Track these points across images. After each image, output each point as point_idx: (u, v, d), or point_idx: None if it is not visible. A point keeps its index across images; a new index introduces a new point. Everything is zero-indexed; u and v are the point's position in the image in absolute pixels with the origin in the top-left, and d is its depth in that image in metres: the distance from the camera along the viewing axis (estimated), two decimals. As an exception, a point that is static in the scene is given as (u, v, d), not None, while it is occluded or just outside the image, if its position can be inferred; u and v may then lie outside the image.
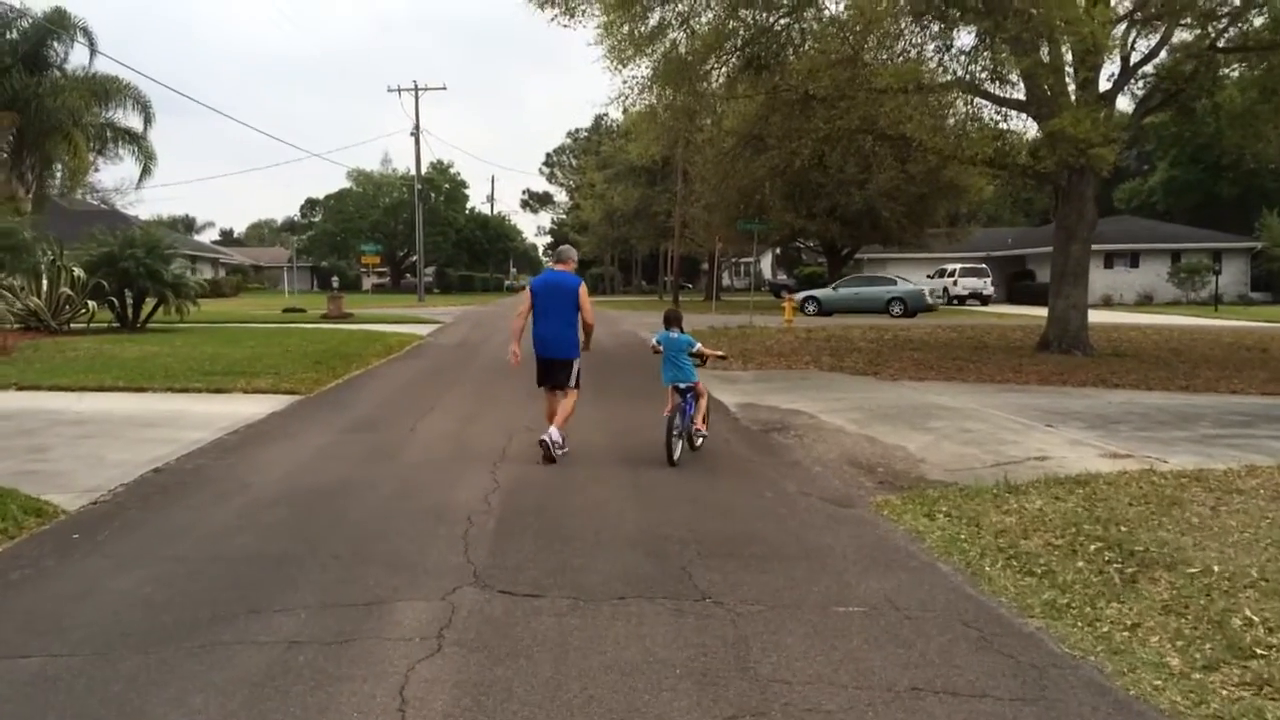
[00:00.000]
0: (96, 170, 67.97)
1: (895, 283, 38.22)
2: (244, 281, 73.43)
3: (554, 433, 8.51)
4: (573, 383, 8.89)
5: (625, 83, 18.13)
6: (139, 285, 22.23)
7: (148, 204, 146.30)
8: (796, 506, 7.05)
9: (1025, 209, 75.50)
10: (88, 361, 15.56)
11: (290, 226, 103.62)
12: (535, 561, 5.50)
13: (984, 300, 48.37)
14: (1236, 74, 18.70)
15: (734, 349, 20.03)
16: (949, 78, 17.78)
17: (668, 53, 17.86)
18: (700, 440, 8.98)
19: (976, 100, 19.38)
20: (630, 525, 6.37)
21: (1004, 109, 19.27)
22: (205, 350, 17.79)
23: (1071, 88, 17.64)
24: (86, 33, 30.42)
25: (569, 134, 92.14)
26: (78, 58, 31.96)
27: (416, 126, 53.29)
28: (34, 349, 17.39)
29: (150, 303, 23.26)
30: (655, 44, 18.26)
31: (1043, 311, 38.75)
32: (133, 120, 32.67)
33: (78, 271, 21.56)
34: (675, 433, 8.43)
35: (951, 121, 18.10)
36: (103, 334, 21.22)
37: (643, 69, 18.09)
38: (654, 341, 9.13)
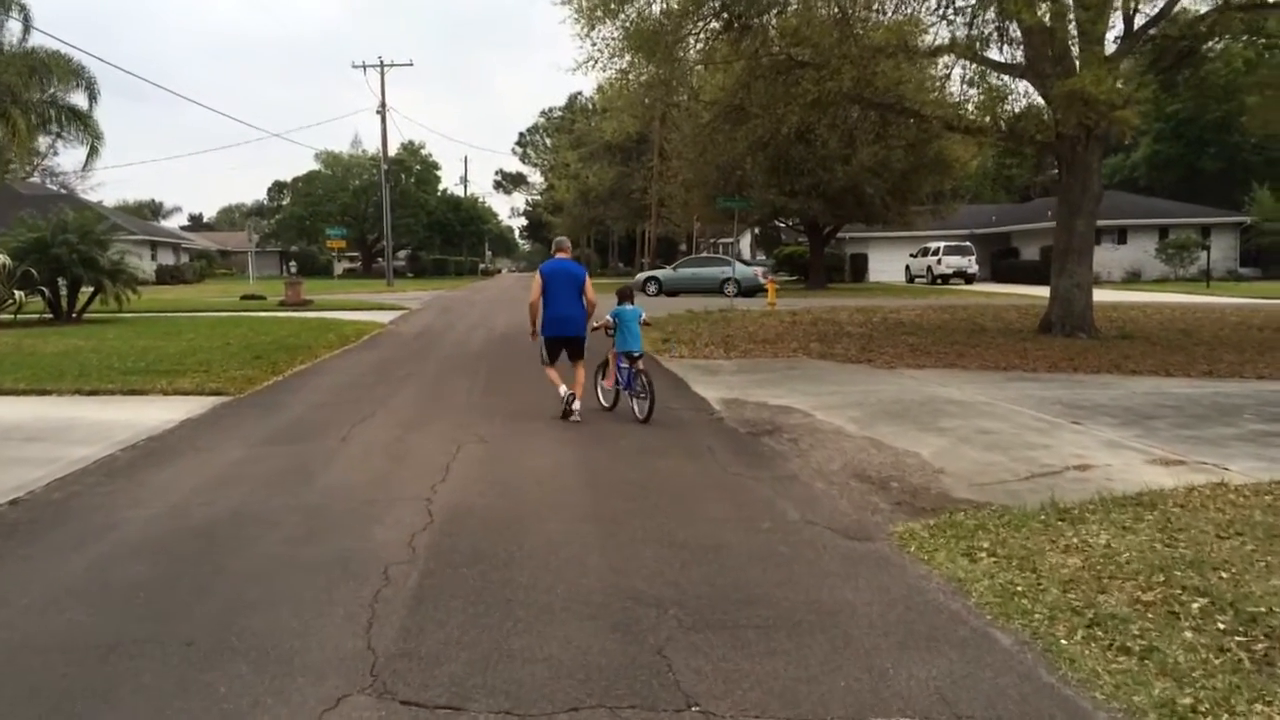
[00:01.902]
0: (55, 154, 66.06)
1: (731, 264, 38.83)
2: (209, 267, 71.34)
3: (576, 404, 9.67)
4: (583, 355, 10.16)
5: (595, 45, 16.63)
6: (73, 273, 20.55)
7: (111, 188, 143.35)
8: (801, 541, 5.65)
9: (1006, 186, 74.37)
10: (-2, 359, 13.99)
11: (259, 211, 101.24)
12: (461, 644, 4.07)
13: (968, 279, 47.21)
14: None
15: (715, 335, 18.67)
16: (946, 39, 16.38)
17: (641, 13, 16.36)
18: (652, 402, 9.69)
19: (971, 66, 18.08)
20: (592, 578, 4.95)
21: (1002, 74, 17.97)
22: (138, 344, 16.22)
23: (1075, 51, 16.30)
24: (21, 7, 28.57)
25: (542, 113, 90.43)
26: (13, 36, 29.88)
27: (383, 104, 51.39)
28: (-56, 345, 15.79)
29: (87, 292, 21.57)
30: (627, 5, 16.78)
31: (1030, 290, 38.06)
32: (79, 99, 30.90)
33: (3, 259, 19.86)
34: (631, 394, 9.87)
35: (954, 88, 16.75)
36: (32, 327, 19.58)
37: (614, 31, 16.57)
38: (608, 318, 10.12)
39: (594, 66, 17.01)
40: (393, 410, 10.52)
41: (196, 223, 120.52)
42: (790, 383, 12.62)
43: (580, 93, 68.55)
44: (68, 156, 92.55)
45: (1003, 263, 51.84)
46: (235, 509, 6.27)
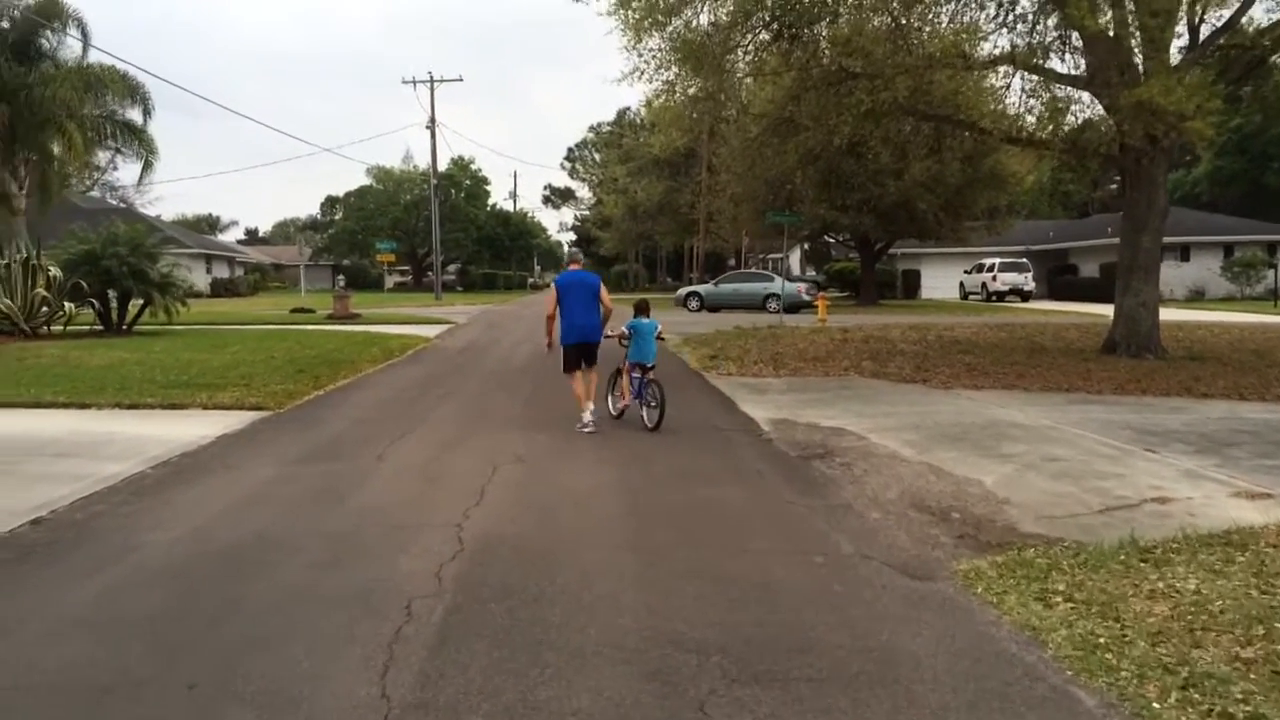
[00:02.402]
0: (115, 169, 67.32)
1: (773, 280, 38.38)
2: (262, 280, 72.18)
3: (588, 415, 9.91)
4: (595, 362, 10.36)
5: (641, 57, 16.30)
6: (123, 285, 20.61)
7: (170, 202, 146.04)
8: (857, 579, 5.23)
9: (1064, 201, 72.99)
10: (43, 371, 13.95)
11: (312, 225, 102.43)
12: (484, 693, 3.72)
13: (1024, 296, 46.16)
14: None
15: (764, 352, 18.23)
16: (1005, 48, 15.86)
17: (689, 24, 16.02)
18: (662, 412, 9.91)
19: (1029, 76, 17.52)
20: (629, 618, 4.57)
21: (1062, 86, 17.40)
22: (183, 357, 16.15)
23: (1140, 61, 15.70)
24: (80, 24, 28.94)
25: (591, 128, 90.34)
26: (74, 53, 30.30)
27: (432, 119, 51.61)
28: (-7, 356, 15.84)
29: (138, 304, 21.66)
30: (675, 17, 16.45)
31: (1090, 308, 37.04)
32: (134, 114, 31.25)
33: (54, 271, 19.96)
34: (643, 404, 10.16)
35: (1013, 99, 16.21)
36: (82, 338, 19.66)
37: (661, 43, 16.22)
38: (624, 329, 10.40)
39: (640, 78, 16.70)
40: (432, 427, 10.25)
41: (252, 236, 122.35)
42: (842, 403, 12.17)
43: (629, 108, 68.48)
44: (127, 171, 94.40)
45: (1060, 280, 50.65)
46: (260, 532, 5.98)
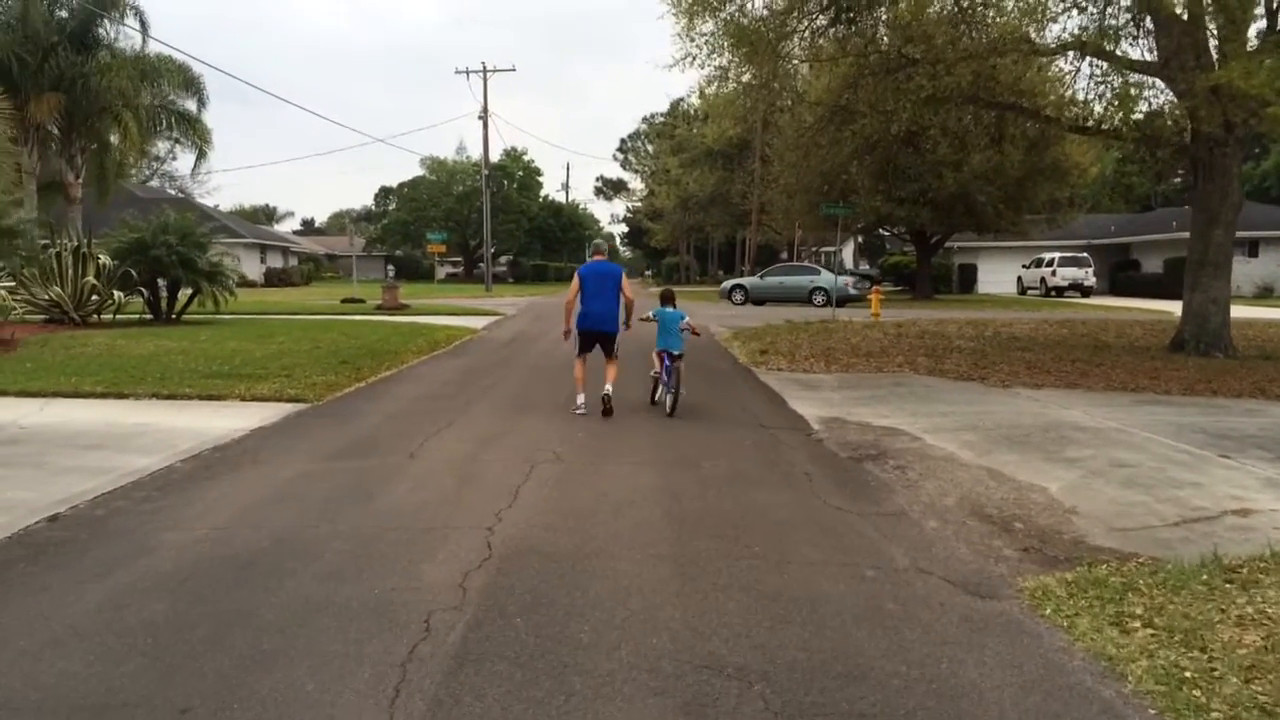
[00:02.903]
0: (174, 159, 68.25)
1: (819, 273, 37.83)
2: (316, 270, 72.88)
3: (608, 387, 10.34)
4: (615, 353, 10.74)
5: (694, 42, 15.89)
6: (172, 274, 20.65)
7: (228, 192, 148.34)
8: (913, 597, 4.83)
9: (1126, 195, 70.95)
10: (89, 360, 13.91)
11: (367, 216, 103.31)
12: (500, 725, 3.39)
13: (1085, 292, 45.02)
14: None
15: (815, 347, 17.77)
16: (1074, 32, 15.21)
17: (743, 8, 15.58)
18: (676, 398, 10.39)
19: (1097, 63, 16.82)
20: (664, 637, 4.21)
21: (1133, 72, 16.68)
22: (228, 346, 16.08)
23: (1213, 45, 14.97)
24: (138, 13, 29.18)
25: (644, 119, 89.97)
26: (133, 43, 30.55)
27: (485, 109, 51.54)
28: (42, 344, 15.85)
29: (186, 293, 21.71)
30: (729, 2, 16.02)
31: (1153, 305, 35.91)
32: (189, 105, 31.50)
33: (104, 259, 20.04)
34: (665, 389, 10.50)
35: (1080, 85, 15.53)
36: (131, 327, 19.71)
37: (715, 27, 15.80)
38: (650, 315, 10.88)
39: (692, 63, 16.29)
40: (470, 422, 9.96)
41: (308, 227, 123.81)
42: (896, 401, 11.70)
43: (682, 99, 67.85)
44: (186, 161, 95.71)
45: (1122, 275, 49.32)
46: (281, 535, 5.71)
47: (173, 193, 71.70)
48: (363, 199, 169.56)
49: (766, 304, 36.60)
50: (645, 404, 11.08)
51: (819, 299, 35.26)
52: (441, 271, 74.40)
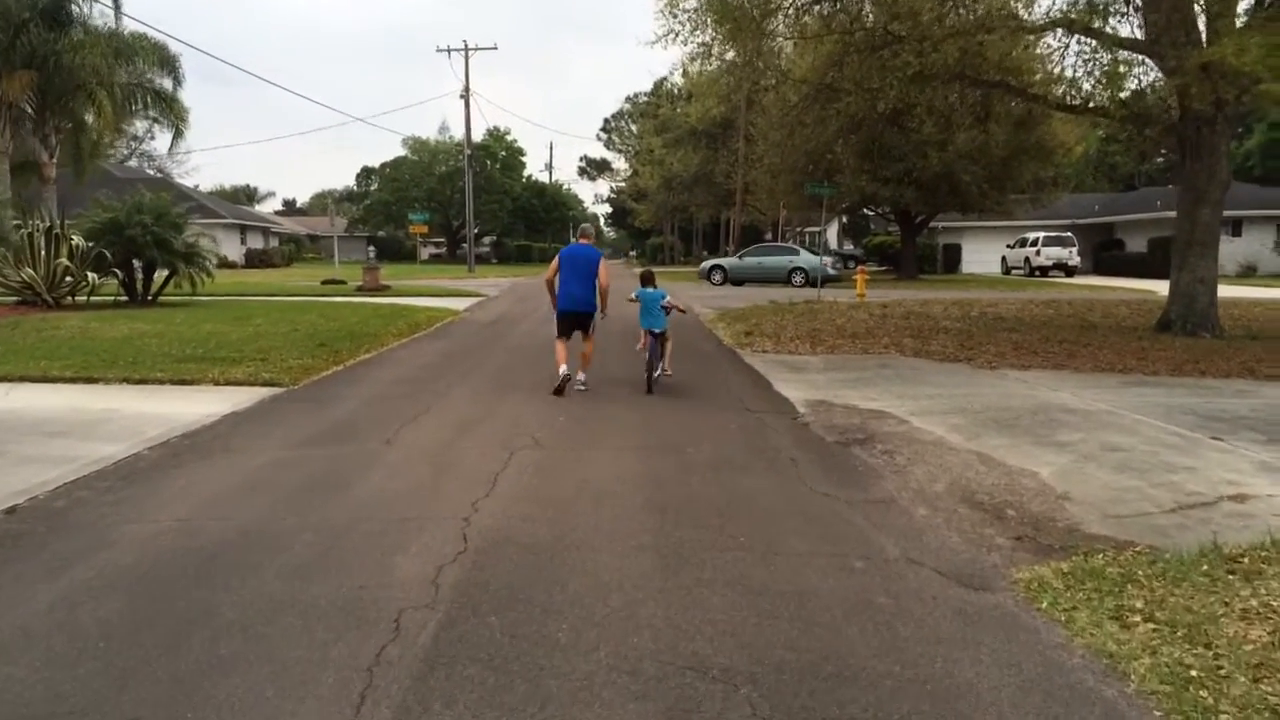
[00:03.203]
0: (153, 139, 67.38)
1: (798, 253, 38.06)
2: (297, 251, 72.20)
3: (581, 376, 10.85)
4: (592, 332, 10.99)
5: (677, 19, 15.61)
6: (147, 255, 20.25)
7: (208, 173, 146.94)
8: (904, 589, 4.65)
9: (1109, 174, 71.06)
10: (60, 343, 13.59)
11: (349, 196, 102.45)
12: (471, 734, 3.19)
13: (1069, 271, 45.00)
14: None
15: (800, 329, 17.58)
16: (1060, 8, 15.01)
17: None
18: (663, 375, 10.97)
19: (1085, 40, 16.62)
20: (646, 636, 4.02)
21: (1120, 50, 16.51)
22: (203, 329, 15.78)
23: (1202, 22, 14.79)
24: (110, -12, 28.60)
25: (627, 99, 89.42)
26: (106, 21, 29.95)
27: (466, 88, 50.99)
28: (13, 326, 15.51)
29: (162, 274, 21.32)
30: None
31: (1138, 284, 35.89)
32: (165, 83, 30.96)
33: (76, 240, 19.61)
34: (653, 369, 10.75)
35: (1068, 62, 15.36)
36: (105, 309, 19.35)
37: (697, 3, 15.51)
38: (633, 296, 11.25)
39: (675, 39, 16.00)
40: (449, 407, 9.75)
41: (290, 207, 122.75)
42: (883, 383, 11.53)
43: (666, 78, 67.37)
44: (165, 140, 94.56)
45: (1106, 255, 49.31)
46: (248, 527, 5.49)
47: (151, 173, 70.82)
48: (345, 179, 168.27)
49: (745, 284, 36.50)
50: (628, 383, 11.07)
51: (798, 279, 35.25)
52: (424, 252, 73.78)
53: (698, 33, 15.71)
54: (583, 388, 10.69)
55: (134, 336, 14.55)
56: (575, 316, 10.84)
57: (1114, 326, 18.39)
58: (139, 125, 42.53)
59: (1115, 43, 16.31)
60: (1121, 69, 16.54)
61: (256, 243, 65.24)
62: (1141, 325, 18.24)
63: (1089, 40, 16.41)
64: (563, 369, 10.52)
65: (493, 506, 5.93)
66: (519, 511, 5.84)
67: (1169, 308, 16.87)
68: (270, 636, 3.95)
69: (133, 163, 75.12)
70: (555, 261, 11.01)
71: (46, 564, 4.87)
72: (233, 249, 59.19)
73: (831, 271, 36.28)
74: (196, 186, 76.38)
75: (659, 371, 10.85)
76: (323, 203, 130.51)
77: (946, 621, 4.26)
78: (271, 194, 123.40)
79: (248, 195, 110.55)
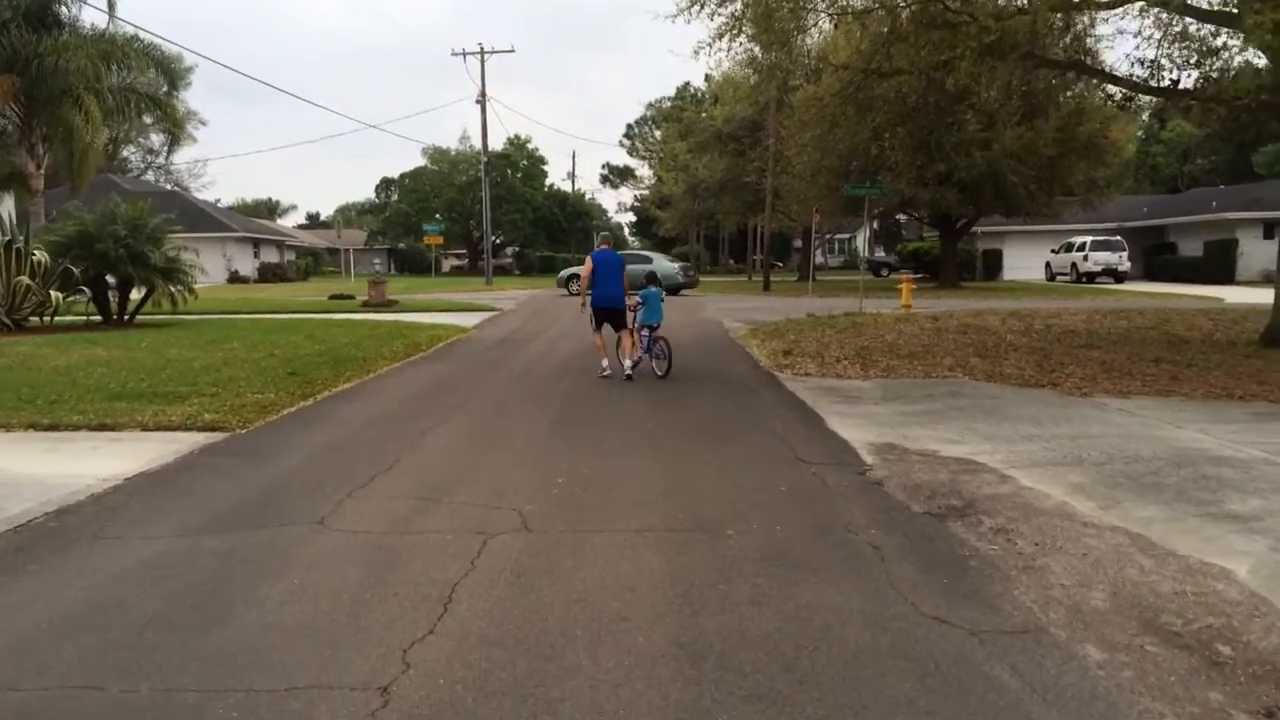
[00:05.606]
0: (168, 151, 66.03)
1: (650, 260, 36.12)
2: (315, 264, 70.67)
3: (628, 362, 12.18)
4: (626, 324, 12.47)
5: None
6: (121, 271, 18.35)
7: (229, 187, 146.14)
8: None
9: (1151, 176, 68.34)
10: (-10, 375, 11.68)
11: (370, 208, 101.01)
12: None
13: (1119, 277, 42.42)
14: None
15: (846, 347, 15.45)
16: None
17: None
18: (636, 364, 12.28)
19: (1164, 16, 14.43)
20: None
21: (1204, 23, 14.37)
22: (166, 355, 13.85)
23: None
24: (99, -11, 26.95)
25: (650, 104, 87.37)
26: (93, 23, 28.41)
27: (483, 92, 49.15)
28: (-49, 355, 13.62)
29: (141, 292, 19.43)
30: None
31: (1197, 290, 33.34)
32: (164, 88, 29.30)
33: (39, 255, 17.68)
34: (653, 359, 12.38)
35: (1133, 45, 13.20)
36: (73, 330, 17.48)
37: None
38: (637, 297, 12.52)
39: (700, 10, 13.90)
40: (420, 461, 7.68)
41: (313, 221, 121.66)
42: (960, 418, 9.39)
43: (689, 82, 65.38)
44: (183, 154, 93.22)
45: (1158, 259, 46.64)
46: (39, 702, 3.43)
47: (167, 187, 69.57)
48: (366, 191, 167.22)
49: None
50: (650, 419, 9.47)
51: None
52: (446, 264, 72.00)
53: (726, 4, 13.60)
54: (608, 374, 12.31)
55: (80, 365, 12.63)
56: (610, 313, 12.50)
57: (1204, 341, 16.09)
58: (155, 139, 40.98)
59: (1201, 16, 14.16)
60: (1210, 46, 14.44)
61: (271, 256, 63.73)
62: (1236, 339, 15.98)
63: (1170, 16, 14.23)
64: (605, 362, 12.50)
65: (435, 652, 3.86)
66: (472, 670, 3.74)
67: (1276, 318, 14.60)
68: None
69: (149, 176, 74.09)
70: (589, 264, 12.54)
71: None
72: (245, 263, 57.66)
73: (681, 279, 36.19)
74: (217, 201, 75.21)
75: (637, 360, 12.32)
76: (346, 216, 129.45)
77: None
78: (293, 207, 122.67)
79: (269, 209, 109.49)
